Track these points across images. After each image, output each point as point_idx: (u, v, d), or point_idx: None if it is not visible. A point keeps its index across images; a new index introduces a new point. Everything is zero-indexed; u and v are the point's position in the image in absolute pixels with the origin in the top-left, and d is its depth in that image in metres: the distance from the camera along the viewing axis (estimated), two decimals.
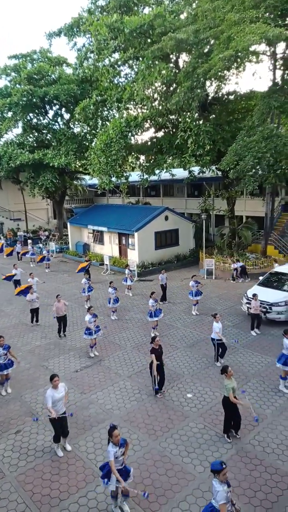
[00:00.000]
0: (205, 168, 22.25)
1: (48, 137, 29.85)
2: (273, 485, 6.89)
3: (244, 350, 12.33)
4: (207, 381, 10.51)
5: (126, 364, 11.77)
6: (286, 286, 14.84)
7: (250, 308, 13.56)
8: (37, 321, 15.37)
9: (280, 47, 18.94)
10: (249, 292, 14.77)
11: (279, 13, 16.52)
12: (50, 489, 7.04)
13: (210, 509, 5.31)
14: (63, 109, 30.50)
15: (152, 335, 13.21)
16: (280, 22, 16.59)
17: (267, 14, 16.32)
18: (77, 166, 30.54)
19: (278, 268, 16.37)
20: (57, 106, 30.29)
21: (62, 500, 6.78)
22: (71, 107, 28.51)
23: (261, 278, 16.18)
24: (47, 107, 30.08)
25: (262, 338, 13.18)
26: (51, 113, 30.68)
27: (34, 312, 15.26)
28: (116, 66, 23.10)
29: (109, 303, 15.56)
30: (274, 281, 15.49)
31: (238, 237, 23.31)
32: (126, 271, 18.97)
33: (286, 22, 17.19)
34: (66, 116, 30.87)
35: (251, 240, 23.86)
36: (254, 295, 13.50)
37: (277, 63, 19.40)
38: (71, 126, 30.42)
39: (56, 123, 30.45)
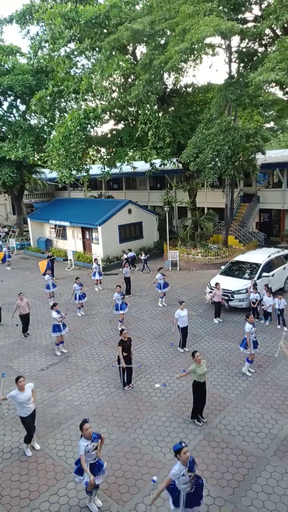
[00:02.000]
0: (166, 161, 22.40)
1: (3, 130, 28.68)
2: (239, 465, 7.19)
3: (208, 337, 12.68)
4: (174, 370, 10.71)
5: (94, 359, 11.73)
6: (246, 274, 15.37)
7: (213, 297, 13.93)
8: None
9: (235, 40, 19.35)
10: (212, 281, 15.16)
11: (232, 6, 16.82)
12: (20, 490, 6.92)
13: (172, 486, 5.56)
14: (18, 100, 29.37)
15: (119, 329, 13.26)
16: (233, 15, 16.91)
17: (221, 7, 16.56)
18: (36, 159, 29.63)
19: (238, 257, 16.90)
20: (12, 97, 29.14)
21: (33, 500, 6.70)
22: (27, 98, 27.51)
23: (223, 267, 16.64)
24: (1, 98, 28.84)
25: (225, 325, 13.61)
26: (5, 105, 29.48)
27: None
28: (72, 56, 22.55)
29: (75, 299, 15.38)
30: (235, 270, 15.99)
31: (200, 228, 23.77)
32: (94, 265, 18.81)
33: (238, 16, 17.55)
34: (22, 107, 29.79)
35: (213, 231, 24.44)
36: (217, 284, 13.88)
37: (232, 56, 19.80)
38: (28, 118, 29.42)
39: (12, 115, 29.30)
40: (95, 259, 19.53)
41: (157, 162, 23.54)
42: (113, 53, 19.55)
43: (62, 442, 8.10)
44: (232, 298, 14.47)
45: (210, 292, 14.60)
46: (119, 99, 20.19)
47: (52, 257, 21.77)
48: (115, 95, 21.04)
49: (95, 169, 26.60)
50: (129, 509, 6.39)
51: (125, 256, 21.01)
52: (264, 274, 14.97)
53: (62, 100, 24.88)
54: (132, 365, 9.98)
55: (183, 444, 5.41)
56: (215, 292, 13.70)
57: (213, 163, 18.02)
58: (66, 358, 11.88)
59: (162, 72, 18.44)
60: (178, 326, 11.68)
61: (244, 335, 10.34)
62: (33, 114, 28.27)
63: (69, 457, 7.58)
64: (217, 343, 12.24)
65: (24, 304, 13.37)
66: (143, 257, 21.09)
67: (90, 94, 21.94)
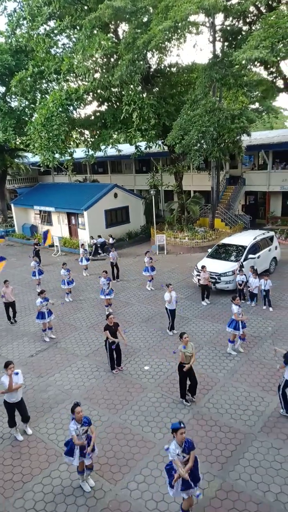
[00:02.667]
0: (151, 143, 22.15)
1: None
2: (227, 442, 7.41)
3: (196, 320, 12.85)
4: (163, 352, 10.86)
5: (83, 344, 11.79)
6: (233, 256, 15.51)
7: (200, 280, 14.07)
8: None
9: (219, 18, 19.00)
10: (199, 264, 15.27)
11: None
12: (12, 474, 7.01)
13: (168, 467, 5.71)
14: None
15: (107, 313, 13.29)
16: None
17: None
18: (18, 143, 28.90)
19: (225, 240, 17.01)
20: None
21: (26, 483, 6.79)
22: (6, 79, 26.60)
23: (209, 250, 16.75)
24: None
25: (212, 308, 13.79)
26: None
27: None
28: (52, 35, 21.81)
29: (63, 284, 15.31)
30: (222, 252, 16.12)
31: (187, 211, 23.77)
32: (81, 250, 18.67)
33: None
34: (2, 89, 28.80)
35: (199, 214, 24.48)
36: (203, 266, 13.98)
37: (216, 35, 19.46)
38: (8, 100, 28.47)
39: None
40: (82, 245, 19.39)
41: (142, 144, 23.26)
42: (95, 31, 18.96)
43: (53, 426, 8.19)
44: (219, 281, 14.63)
45: (198, 275, 14.72)
46: (102, 80, 19.71)
47: (39, 244, 21.53)
48: (97, 75, 20.53)
49: (79, 153, 26.15)
50: (121, 487, 6.55)
51: (94, 241, 21.31)
52: (250, 256, 15.13)
53: (43, 81, 24.17)
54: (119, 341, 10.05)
55: (182, 425, 5.51)
56: (202, 275, 13.82)
57: (198, 145, 17.90)
58: (55, 344, 11.90)
59: (145, 51, 18.02)
60: (166, 308, 11.80)
61: (231, 316, 10.51)
62: (13, 96, 27.37)
63: (61, 440, 7.67)
64: (204, 325, 12.42)
65: (9, 291, 13.26)
66: (111, 241, 21.36)
67: (72, 74, 21.36)
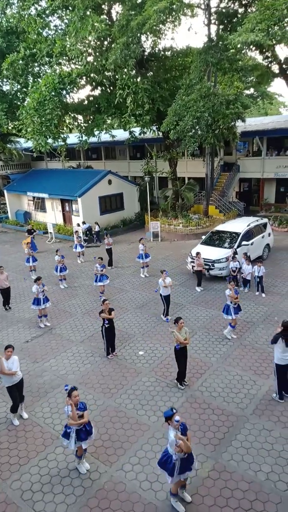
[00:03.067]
0: (145, 129, 21.90)
1: None
2: (220, 424, 7.58)
3: (190, 306, 12.96)
4: (157, 338, 10.98)
5: (78, 330, 11.86)
6: (226, 243, 15.58)
7: (194, 266, 14.14)
8: None
9: (214, 0, 18.60)
10: (193, 251, 15.32)
11: None
12: (9, 457, 7.12)
13: (165, 455, 5.75)
14: None
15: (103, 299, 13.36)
16: None
17: None
18: (10, 128, 28.38)
19: (218, 227, 17.04)
20: None
21: (22, 465, 6.92)
22: None
23: (203, 237, 16.79)
24: None
25: (206, 294, 13.91)
26: None
27: None
28: (43, 16, 21.21)
29: (56, 271, 15.30)
30: (216, 239, 16.17)
31: (181, 198, 23.69)
32: (75, 237, 18.62)
33: None
34: None
35: (194, 201, 24.42)
36: (198, 253, 14.04)
37: (211, 18, 19.10)
38: (0, 83, 27.86)
39: None
40: (76, 231, 19.32)
41: (137, 130, 22.99)
42: (87, 13, 18.47)
43: (49, 410, 8.29)
44: (213, 267, 14.72)
45: (192, 262, 14.78)
46: (96, 63, 19.33)
47: (33, 231, 21.40)
48: (90, 59, 20.11)
49: (73, 138, 25.80)
50: (116, 469, 6.70)
51: (80, 228, 21.37)
52: (244, 242, 15.21)
53: (35, 64, 23.63)
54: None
55: (174, 411, 5.59)
56: (196, 261, 13.87)
57: (193, 131, 17.74)
58: (50, 330, 11.96)
59: (139, 34, 17.64)
60: (161, 295, 11.88)
61: (226, 301, 10.61)
62: (5, 80, 26.77)
63: (57, 424, 7.80)
64: (198, 311, 12.55)
65: (4, 278, 13.23)
66: (97, 228, 21.56)
67: (64, 57, 20.88)
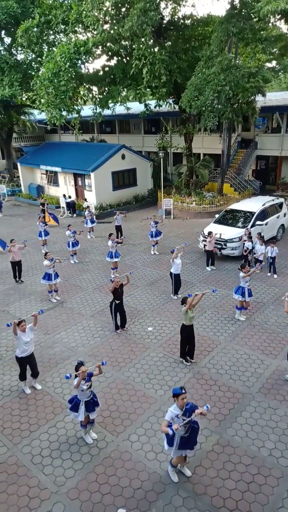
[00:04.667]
0: (161, 101, 21.27)
1: None
2: (226, 401, 7.70)
3: (200, 285, 12.95)
4: (166, 315, 11.06)
5: (89, 304, 12.02)
6: (240, 223, 15.35)
7: (206, 245, 14.03)
8: None
9: None
10: (205, 230, 15.16)
11: None
12: (20, 423, 7.40)
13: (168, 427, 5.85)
14: (3, 31, 27.02)
15: (112, 276, 13.44)
16: None
17: None
18: (24, 99, 27.95)
19: (233, 206, 16.75)
20: None
21: (33, 432, 7.19)
22: (12, 29, 25.32)
23: (217, 216, 16.56)
24: None
25: (217, 273, 13.85)
26: None
27: None
28: None
29: (68, 246, 15.37)
30: (229, 218, 15.93)
31: (195, 175, 23.25)
32: (86, 212, 18.59)
33: None
34: (7, 40, 27.48)
35: (208, 179, 23.96)
36: (210, 232, 13.88)
37: None
38: (14, 52, 27.24)
39: None
40: (87, 207, 19.25)
41: (152, 103, 22.37)
42: None
43: (59, 381, 8.53)
44: (225, 247, 14.58)
45: (204, 240, 14.64)
46: (112, 31, 18.64)
47: (46, 204, 21.42)
48: (107, 26, 19.39)
49: (87, 111, 25.29)
50: (123, 439, 6.92)
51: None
52: (258, 222, 14.96)
53: (51, 32, 22.95)
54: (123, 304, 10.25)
55: (183, 391, 5.62)
56: (209, 240, 13.72)
57: (213, 105, 17.13)
58: (61, 303, 12.15)
59: (158, 0, 16.84)
60: (171, 273, 11.87)
61: (239, 283, 10.51)
62: (19, 48, 26.17)
63: (66, 394, 8.03)
64: (208, 290, 12.51)
65: (16, 250, 13.37)
66: (69, 200, 22.99)
67: (80, 25, 20.19)
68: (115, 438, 6.94)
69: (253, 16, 16.41)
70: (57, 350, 9.67)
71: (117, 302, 9.98)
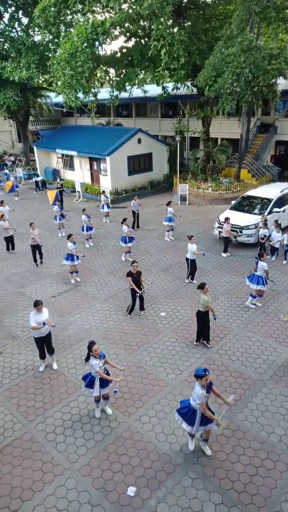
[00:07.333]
0: (179, 84, 20.80)
1: (5, 47, 26.45)
2: (237, 386, 7.75)
3: (214, 271, 12.90)
4: (179, 300, 11.09)
5: (103, 288, 12.14)
6: (257, 209, 15.10)
7: (221, 232, 13.89)
8: (13, 248, 15.36)
9: None
10: (221, 216, 14.99)
11: None
12: (35, 401, 7.63)
13: (187, 405, 6.04)
14: (20, 11, 26.72)
15: (123, 259, 13.48)
16: None
17: None
18: (41, 81, 27.76)
19: (249, 192, 16.46)
20: (13, 8, 26.49)
21: (47, 410, 7.41)
22: (29, 9, 25.00)
23: (233, 202, 16.32)
24: (1, 8, 26.23)
25: (231, 260, 13.75)
26: (6, 17, 26.87)
27: (9, 240, 15.14)
28: None
29: (83, 230, 15.46)
30: (246, 205, 15.69)
31: (212, 161, 22.86)
32: (102, 197, 18.58)
33: None
34: (25, 20, 27.17)
35: (225, 164, 23.53)
36: (226, 219, 13.72)
37: None
38: (31, 33, 26.94)
39: (14, 29, 26.82)
40: (103, 192, 19.21)
41: (170, 85, 21.91)
42: None
43: (73, 361, 8.72)
44: (240, 234, 14.41)
45: (219, 227, 14.49)
46: (130, 11, 18.17)
47: (62, 189, 21.48)
48: (125, 6, 18.91)
49: (104, 94, 24.98)
50: (134, 420, 7.06)
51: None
52: (275, 209, 14.70)
53: (68, 12, 22.51)
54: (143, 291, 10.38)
55: (206, 372, 5.74)
56: (225, 227, 13.57)
57: (232, 88, 16.66)
58: (76, 286, 12.31)
59: None
60: (187, 259, 11.84)
61: (258, 273, 10.37)
62: (36, 29, 25.86)
63: (80, 374, 8.19)
64: (222, 277, 12.48)
65: (36, 233, 13.56)
66: (39, 178, 25.74)
67: (98, 4, 19.74)
68: (127, 419, 7.09)
69: None
70: (71, 332, 9.85)
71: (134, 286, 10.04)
